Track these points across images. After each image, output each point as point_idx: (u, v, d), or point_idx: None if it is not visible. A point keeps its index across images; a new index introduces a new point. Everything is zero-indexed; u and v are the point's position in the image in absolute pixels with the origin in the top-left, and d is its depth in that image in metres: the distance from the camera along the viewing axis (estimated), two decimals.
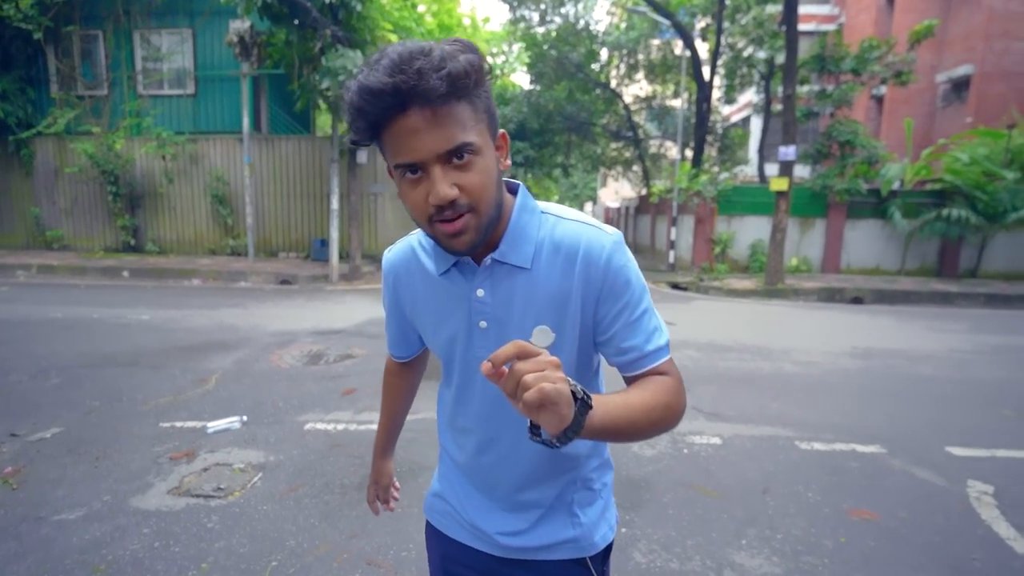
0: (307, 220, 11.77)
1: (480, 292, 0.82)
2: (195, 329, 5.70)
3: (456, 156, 0.70)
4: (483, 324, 0.83)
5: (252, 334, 5.54)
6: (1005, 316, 8.03)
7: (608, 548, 0.97)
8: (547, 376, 0.59)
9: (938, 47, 16.54)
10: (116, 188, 11.10)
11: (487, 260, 0.80)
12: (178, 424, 3.29)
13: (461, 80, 0.67)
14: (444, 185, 0.69)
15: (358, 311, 6.94)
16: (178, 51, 11.49)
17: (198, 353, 4.79)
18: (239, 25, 9.67)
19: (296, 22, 8.35)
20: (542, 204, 0.85)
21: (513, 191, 0.84)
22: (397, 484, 1.23)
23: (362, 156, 9.92)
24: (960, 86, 16.75)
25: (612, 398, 0.73)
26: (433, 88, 0.66)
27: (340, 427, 3.33)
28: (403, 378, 1.16)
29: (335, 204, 9.54)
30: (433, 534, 1.03)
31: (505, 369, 0.61)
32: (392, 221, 12.11)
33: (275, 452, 2.98)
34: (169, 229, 11.76)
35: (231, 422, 3.30)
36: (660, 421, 0.76)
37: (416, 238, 0.91)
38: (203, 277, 9.45)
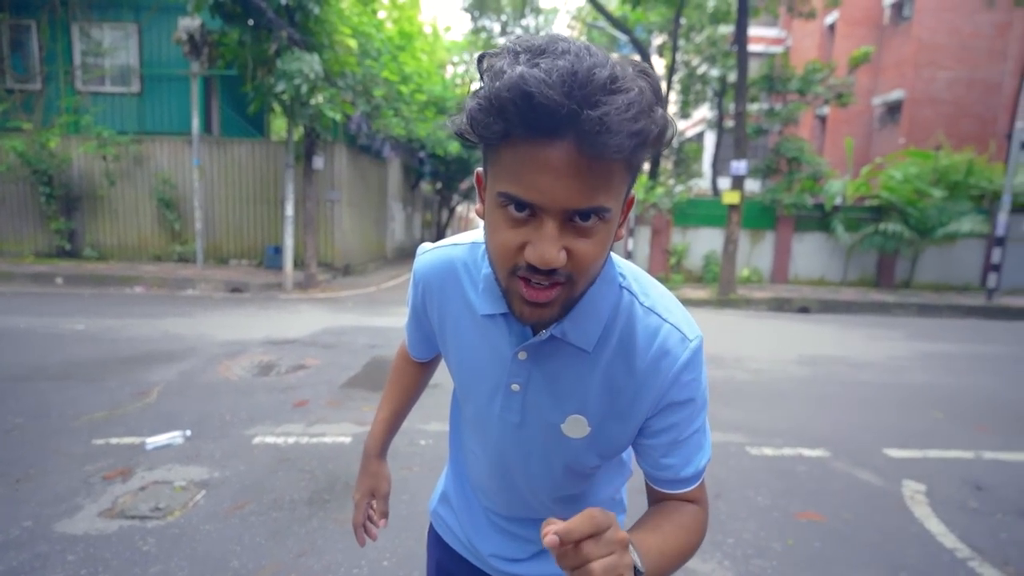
0: (260, 226, 11.38)
1: (523, 355, 0.70)
2: (136, 339, 5.39)
3: (582, 217, 0.54)
4: (515, 387, 0.72)
5: (199, 344, 5.28)
6: (935, 324, 8.58)
7: None
8: (616, 567, 0.51)
9: (874, 72, 17.70)
10: (50, 189, 10.41)
11: (544, 334, 0.67)
12: (114, 441, 3.09)
13: (645, 146, 0.52)
14: (553, 247, 0.54)
15: (313, 320, 6.74)
16: (122, 47, 10.94)
17: (139, 364, 4.53)
18: (189, 23, 9.30)
19: (250, 22, 8.10)
20: (622, 268, 0.71)
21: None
22: (386, 514, 1.05)
23: (318, 162, 9.70)
24: (894, 109, 17.96)
25: (658, 560, 0.63)
26: (613, 143, 0.49)
27: (291, 440, 3.21)
28: (414, 373, 1.03)
29: (290, 210, 9.27)
30: (434, 537, 0.99)
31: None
32: (349, 228, 11.87)
33: (220, 468, 2.83)
34: (110, 233, 11.12)
35: (172, 437, 3.12)
36: (686, 560, 0.70)
37: (461, 258, 0.75)
38: (147, 284, 8.97)
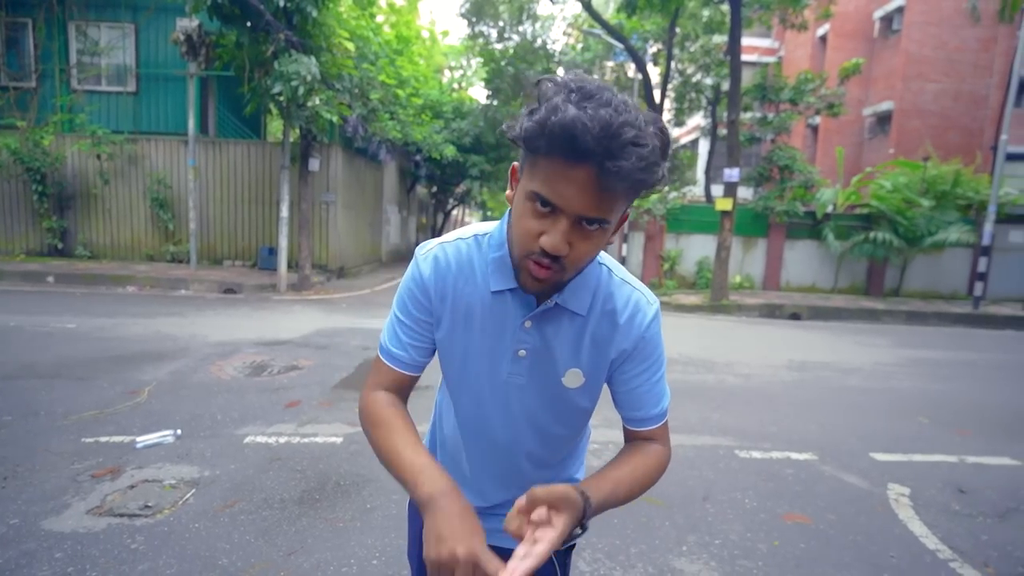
0: (255, 227, 11.36)
1: (528, 324, 0.85)
2: (128, 338, 5.37)
3: (588, 222, 0.71)
4: (522, 353, 0.86)
5: (191, 344, 5.27)
6: (922, 332, 8.69)
7: (572, 548, 1.04)
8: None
9: (865, 84, 17.94)
10: (43, 187, 10.35)
11: (550, 302, 0.83)
12: (103, 439, 3.08)
13: (646, 186, 0.69)
14: (562, 240, 0.71)
15: (306, 322, 6.74)
16: (118, 46, 10.93)
17: (130, 364, 4.51)
18: (186, 23, 9.31)
19: (248, 24, 8.12)
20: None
21: None
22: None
23: (314, 164, 9.71)
24: (883, 120, 18.20)
25: (608, 487, 0.81)
26: (624, 176, 0.66)
27: (282, 440, 3.21)
28: (398, 407, 0.91)
29: (285, 212, 9.27)
30: (414, 509, 1.04)
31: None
32: (344, 231, 11.87)
33: (210, 467, 2.83)
34: (103, 233, 11.06)
35: (163, 436, 3.12)
36: (644, 491, 0.89)
37: (472, 249, 0.87)
38: (139, 284, 8.93)
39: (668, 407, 0.93)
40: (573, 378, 0.87)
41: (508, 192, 0.80)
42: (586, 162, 0.66)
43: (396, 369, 0.91)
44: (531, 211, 0.72)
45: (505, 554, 0.71)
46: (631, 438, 0.94)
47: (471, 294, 0.86)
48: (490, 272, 0.85)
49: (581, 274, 0.82)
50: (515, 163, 0.78)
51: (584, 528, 0.76)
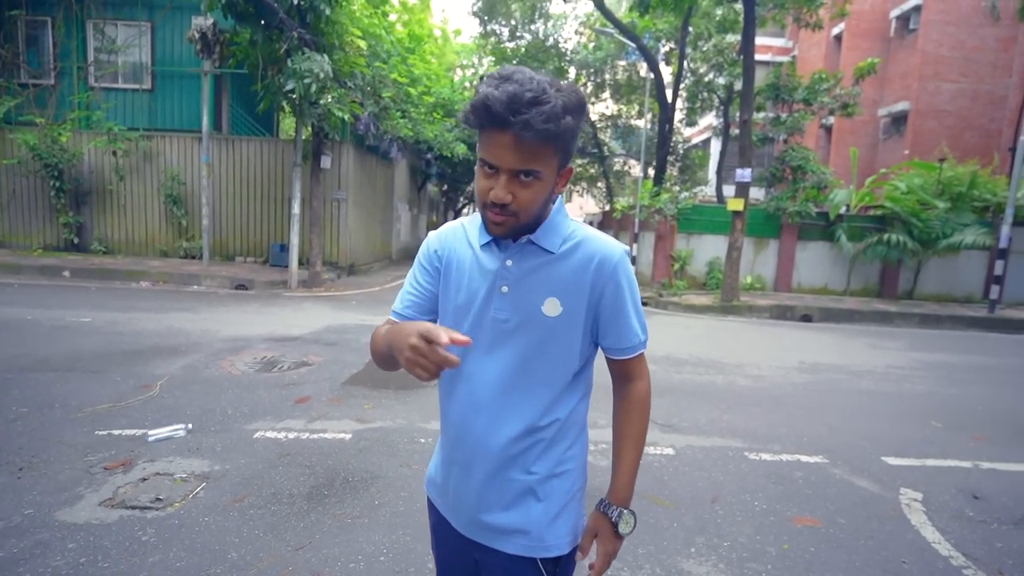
0: (266, 224, 11.46)
1: (509, 263, 1.00)
2: (141, 333, 5.44)
3: (524, 175, 0.90)
4: (504, 289, 1.00)
5: (203, 339, 5.32)
6: (936, 335, 8.56)
7: (562, 559, 1.04)
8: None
9: (880, 84, 17.69)
10: (60, 183, 10.52)
11: (523, 239, 1.00)
12: (116, 432, 3.12)
13: (555, 137, 0.88)
14: (503, 191, 0.91)
15: (316, 318, 6.78)
16: (135, 44, 11.07)
17: (143, 358, 4.57)
18: (201, 22, 9.40)
19: (262, 22, 8.18)
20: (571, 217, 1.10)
21: (554, 200, 1.03)
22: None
23: (326, 161, 9.77)
24: (898, 120, 17.94)
25: (624, 465, 1.06)
26: (529, 135, 0.86)
27: (291, 436, 3.23)
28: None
29: (296, 209, 9.33)
30: (429, 503, 1.17)
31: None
32: (355, 228, 11.93)
33: (221, 461, 2.86)
34: (118, 228, 11.22)
35: (174, 430, 3.15)
36: (646, 432, 1.10)
37: (463, 223, 1.11)
38: (153, 279, 9.04)
39: (646, 340, 1.07)
40: (551, 306, 0.99)
41: (476, 175, 0.99)
42: (503, 127, 0.86)
43: (394, 320, 1.10)
44: (482, 174, 0.93)
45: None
46: (614, 370, 1.09)
47: (463, 251, 1.06)
48: (478, 233, 1.04)
49: (552, 222, 1.00)
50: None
51: (628, 524, 1.04)
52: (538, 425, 1.01)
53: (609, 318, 1.03)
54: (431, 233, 1.14)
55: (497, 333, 1.01)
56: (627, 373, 1.08)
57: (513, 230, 0.95)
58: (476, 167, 0.96)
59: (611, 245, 1.02)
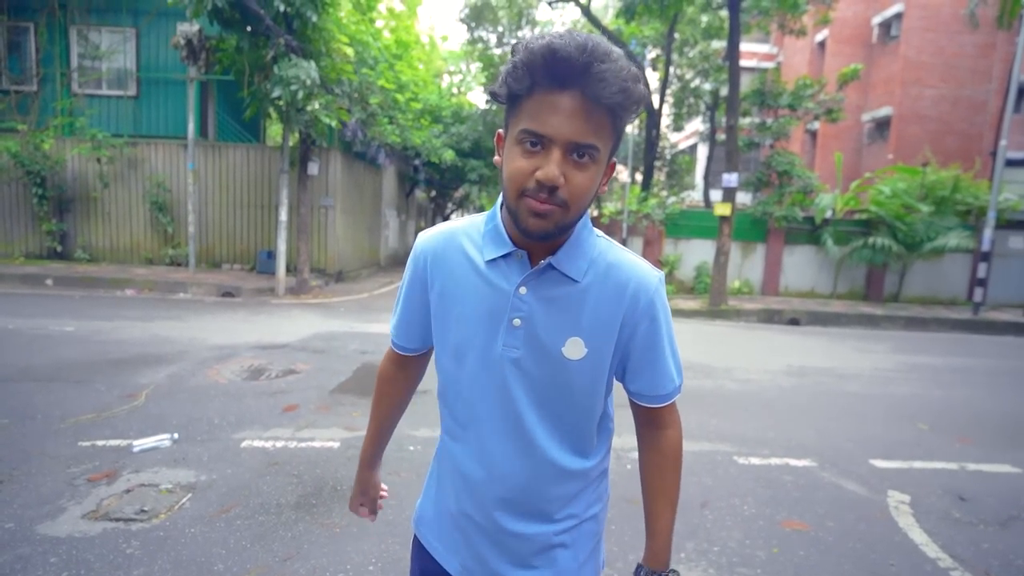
0: (253, 231, 11.36)
1: (523, 290, 0.83)
2: (126, 341, 5.35)
3: (579, 153, 0.73)
4: (517, 322, 0.83)
5: (189, 347, 5.25)
6: (921, 338, 8.68)
7: None
8: None
9: (863, 89, 18.01)
10: (43, 190, 10.35)
11: (542, 263, 0.82)
12: (100, 443, 3.07)
13: (629, 103, 0.72)
14: (557, 169, 0.72)
15: (304, 325, 6.73)
16: (119, 50, 10.96)
17: (128, 367, 4.50)
18: (187, 28, 9.34)
19: (248, 29, 8.14)
20: (596, 229, 0.91)
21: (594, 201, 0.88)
22: (385, 489, 1.18)
23: (313, 168, 9.72)
24: (882, 125, 18.26)
25: (660, 525, 0.96)
26: (608, 92, 0.69)
27: (279, 444, 3.20)
28: (399, 381, 1.07)
29: (284, 216, 9.27)
30: (418, 546, 1.02)
31: None
32: (343, 234, 11.86)
33: (207, 471, 2.82)
34: (102, 236, 11.06)
35: (160, 440, 3.10)
36: (679, 484, 0.98)
37: (462, 228, 0.90)
38: (138, 287, 8.92)
39: (681, 385, 0.91)
40: (574, 348, 0.82)
41: (496, 158, 0.82)
42: (569, 86, 0.70)
43: (395, 350, 1.04)
44: (521, 152, 0.74)
45: None
46: (640, 416, 0.94)
47: (461, 271, 0.87)
48: (484, 244, 0.85)
49: (577, 240, 0.83)
50: (500, 130, 0.82)
51: None
52: (565, 473, 0.89)
53: (641, 359, 0.87)
54: (421, 238, 0.93)
55: (508, 374, 0.84)
56: (657, 421, 0.93)
57: (557, 227, 0.76)
58: (506, 150, 0.78)
59: (645, 271, 0.85)
